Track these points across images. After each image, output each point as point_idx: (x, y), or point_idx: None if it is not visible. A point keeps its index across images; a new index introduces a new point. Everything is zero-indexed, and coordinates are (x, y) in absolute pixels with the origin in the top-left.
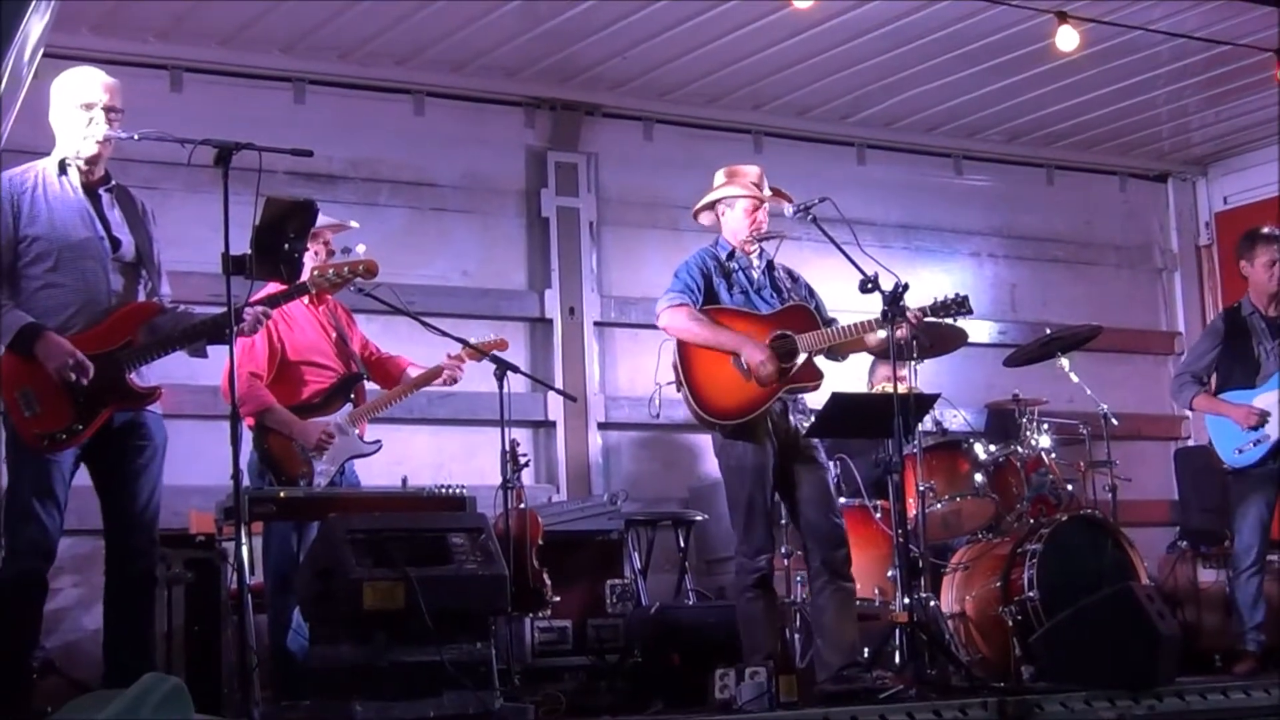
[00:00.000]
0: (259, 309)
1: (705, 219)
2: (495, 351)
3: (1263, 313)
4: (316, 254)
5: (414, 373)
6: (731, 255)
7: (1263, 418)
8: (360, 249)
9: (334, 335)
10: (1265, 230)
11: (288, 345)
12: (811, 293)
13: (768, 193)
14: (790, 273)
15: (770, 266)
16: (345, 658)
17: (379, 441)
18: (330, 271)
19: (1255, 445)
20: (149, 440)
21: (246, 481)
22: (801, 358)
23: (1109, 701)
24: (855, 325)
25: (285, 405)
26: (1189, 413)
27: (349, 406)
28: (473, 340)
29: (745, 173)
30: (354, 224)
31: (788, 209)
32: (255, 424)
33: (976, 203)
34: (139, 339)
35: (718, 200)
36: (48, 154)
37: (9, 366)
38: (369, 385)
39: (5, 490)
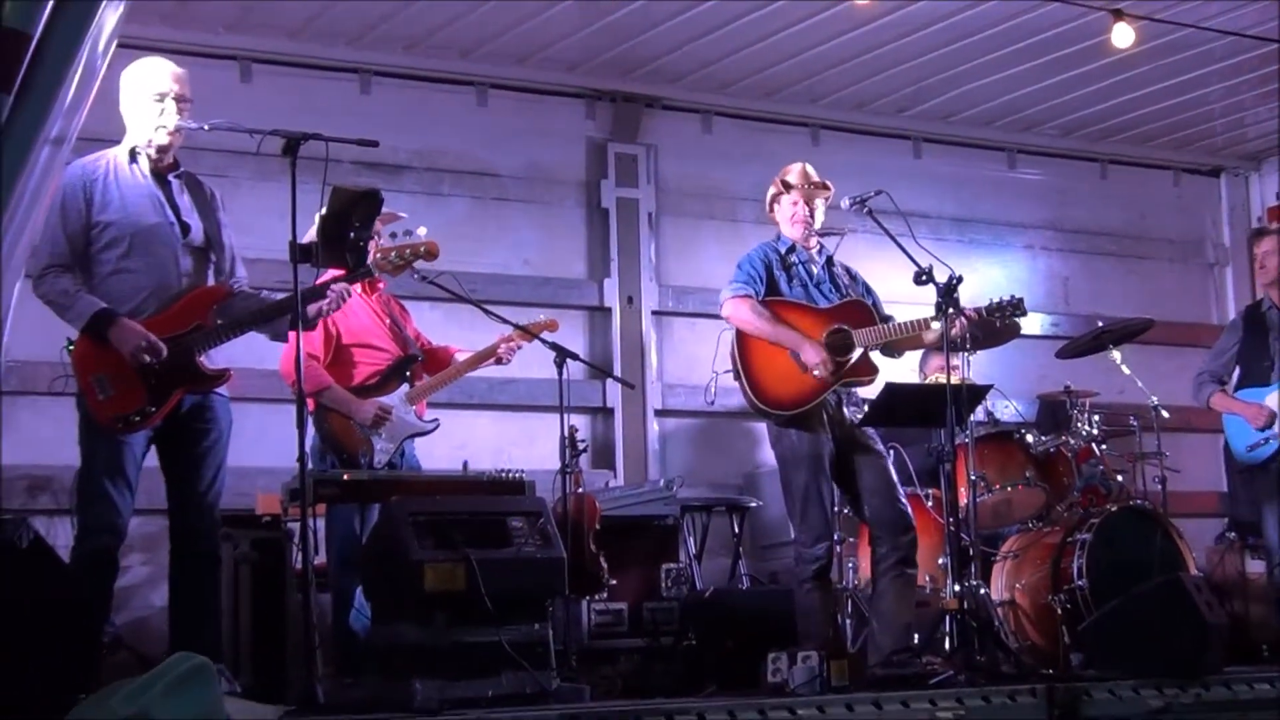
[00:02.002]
0: (341, 287)
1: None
2: (546, 332)
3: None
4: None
5: (462, 357)
6: (792, 249)
7: (1271, 417)
8: (421, 231)
9: (387, 321)
10: (1260, 227)
11: (342, 329)
12: (869, 290)
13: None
14: (849, 270)
15: (830, 263)
16: (406, 637)
17: (437, 420)
18: (393, 254)
19: (1266, 443)
20: (215, 423)
21: (311, 464)
22: (857, 353)
23: (1157, 690)
24: (910, 323)
25: (343, 387)
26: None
27: (406, 387)
28: (525, 323)
29: (787, 171)
30: (403, 215)
31: (845, 202)
32: (315, 405)
33: (1030, 196)
34: (209, 322)
35: (772, 204)
36: (117, 142)
37: (83, 351)
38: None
39: (79, 470)
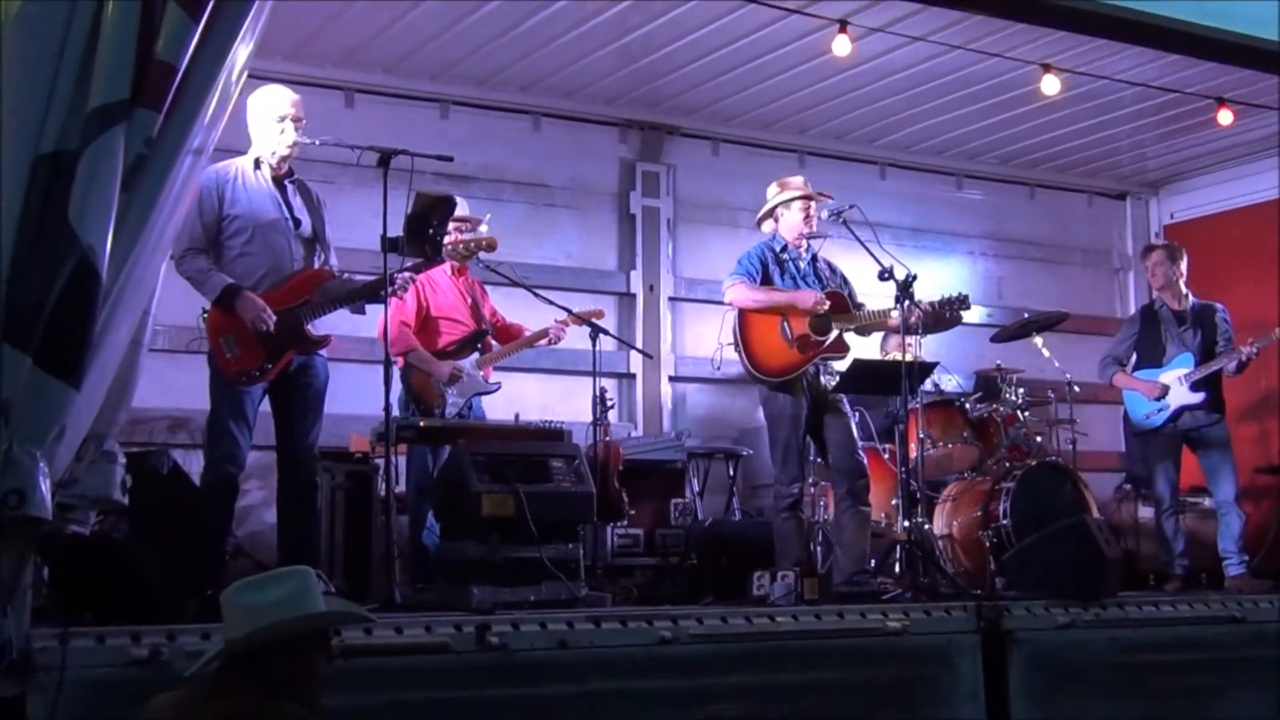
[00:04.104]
0: (406, 275)
1: (766, 226)
2: (592, 320)
3: (1170, 306)
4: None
5: (527, 334)
6: (785, 248)
7: (1164, 391)
8: (483, 228)
9: (469, 301)
10: (1151, 244)
11: (431, 304)
12: (846, 282)
13: (815, 192)
14: (830, 265)
15: (814, 259)
16: (467, 552)
17: (498, 383)
18: (460, 246)
19: (1159, 413)
20: (316, 378)
21: (395, 413)
22: (835, 332)
23: (1064, 609)
24: (877, 311)
25: (427, 350)
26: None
27: (476, 354)
28: (576, 310)
29: (794, 182)
30: (487, 215)
31: (824, 213)
32: (404, 363)
33: (973, 212)
34: (314, 298)
35: (777, 205)
36: (242, 152)
37: (215, 318)
38: (494, 344)
39: (209, 414)
